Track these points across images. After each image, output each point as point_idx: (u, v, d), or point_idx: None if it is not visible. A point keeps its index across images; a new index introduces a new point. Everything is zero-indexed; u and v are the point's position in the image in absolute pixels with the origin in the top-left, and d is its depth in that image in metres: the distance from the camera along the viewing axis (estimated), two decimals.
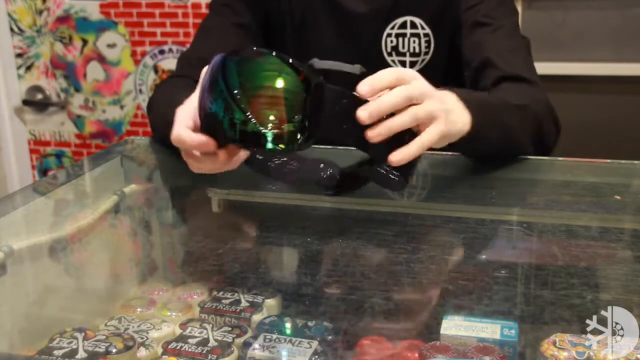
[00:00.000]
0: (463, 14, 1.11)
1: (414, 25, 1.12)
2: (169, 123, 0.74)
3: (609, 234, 0.92)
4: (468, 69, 1.09)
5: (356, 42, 1.14)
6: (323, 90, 0.67)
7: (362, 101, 0.68)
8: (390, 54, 1.13)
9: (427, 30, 1.12)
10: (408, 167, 0.72)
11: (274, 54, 0.67)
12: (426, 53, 1.13)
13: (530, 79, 1.04)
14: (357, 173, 0.81)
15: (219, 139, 0.68)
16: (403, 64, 1.14)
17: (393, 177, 0.74)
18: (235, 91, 0.65)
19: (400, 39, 1.13)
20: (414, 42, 1.12)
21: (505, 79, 1.03)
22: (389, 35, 1.13)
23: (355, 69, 0.72)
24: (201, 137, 0.69)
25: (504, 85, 1.02)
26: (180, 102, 0.88)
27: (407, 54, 1.13)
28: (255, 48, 0.70)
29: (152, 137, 1.14)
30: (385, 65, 1.14)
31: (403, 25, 1.12)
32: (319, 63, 0.69)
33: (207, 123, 0.68)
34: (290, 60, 0.66)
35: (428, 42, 1.12)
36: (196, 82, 1.10)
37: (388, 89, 0.71)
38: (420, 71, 1.14)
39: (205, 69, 0.70)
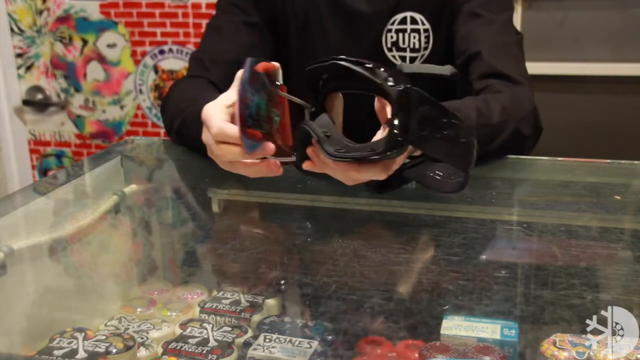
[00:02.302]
0: (459, 6, 1.11)
1: (414, 21, 1.12)
2: (192, 121, 0.74)
3: (609, 234, 0.92)
4: (458, 59, 1.10)
5: (359, 40, 1.15)
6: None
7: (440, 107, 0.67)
8: (390, 50, 1.14)
9: (427, 26, 1.12)
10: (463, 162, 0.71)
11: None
12: (425, 48, 1.13)
13: (516, 78, 1.03)
14: (403, 174, 0.81)
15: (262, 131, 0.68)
16: (403, 59, 1.14)
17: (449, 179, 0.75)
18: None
19: (401, 35, 1.13)
20: (414, 37, 1.13)
21: (491, 75, 1.03)
22: (389, 30, 1.13)
23: (446, 69, 0.70)
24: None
25: (489, 84, 1.02)
26: (203, 100, 0.87)
27: (408, 49, 1.14)
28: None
29: (168, 136, 1.14)
30: (385, 60, 1.15)
31: (403, 21, 1.13)
32: (407, 67, 0.68)
33: (248, 115, 0.67)
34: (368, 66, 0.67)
35: (427, 37, 1.13)
36: (211, 83, 1.10)
37: None
38: None
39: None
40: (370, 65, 0.67)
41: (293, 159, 0.72)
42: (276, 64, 0.70)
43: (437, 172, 0.85)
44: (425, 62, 1.14)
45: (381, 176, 0.68)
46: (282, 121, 0.70)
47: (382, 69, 0.67)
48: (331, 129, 0.68)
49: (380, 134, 0.70)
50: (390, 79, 0.66)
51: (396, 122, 0.64)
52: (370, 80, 0.67)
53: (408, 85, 0.65)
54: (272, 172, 0.70)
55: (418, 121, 0.64)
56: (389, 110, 0.70)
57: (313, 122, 0.69)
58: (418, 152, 0.76)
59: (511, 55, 1.07)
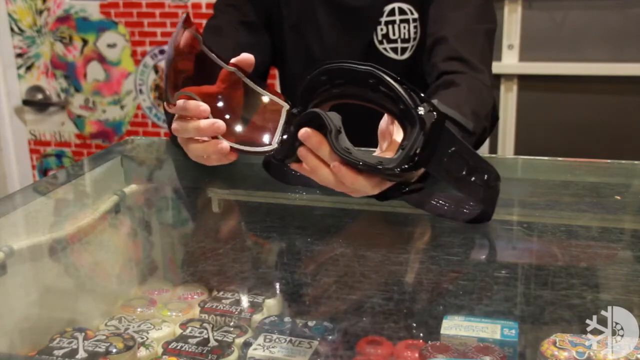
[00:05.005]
0: None
1: (402, 12, 1.13)
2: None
3: (609, 234, 0.92)
4: (427, 40, 1.10)
5: (353, 35, 1.15)
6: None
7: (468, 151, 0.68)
8: (381, 42, 1.14)
9: (416, 16, 1.12)
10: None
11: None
12: (414, 39, 1.14)
13: (476, 64, 1.03)
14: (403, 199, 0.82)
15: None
16: (395, 50, 1.14)
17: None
18: None
19: (390, 27, 1.13)
20: (404, 28, 1.13)
21: (454, 58, 1.03)
22: (379, 23, 1.13)
23: (468, 124, 0.72)
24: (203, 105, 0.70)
25: (451, 67, 1.02)
26: None
27: (398, 40, 1.14)
28: None
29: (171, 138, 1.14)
30: (377, 53, 1.15)
31: (391, 13, 1.13)
32: (442, 107, 0.66)
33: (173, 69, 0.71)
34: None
35: (416, 27, 1.13)
36: None
37: None
38: (410, 57, 1.15)
39: None
40: (406, 86, 0.65)
41: (255, 149, 0.72)
42: (249, 57, 0.74)
43: (441, 200, 0.85)
44: (415, 52, 1.14)
45: (373, 191, 0.68)
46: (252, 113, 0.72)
47: (419, 94, 0.65)
48: (341, 129, 0.66)
49: (378, 152, 0.70)
50: (422, 107, 0.65)
51: (415, 144, 0.64)
52: (402, 100, 0.65)
53: (437, 116, 0.65)
54: (220, 152, 0.71)
55: (442, 153, 0.65)
56: (396, 130, 0.70)
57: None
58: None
59: (476, 42, 1.07)
